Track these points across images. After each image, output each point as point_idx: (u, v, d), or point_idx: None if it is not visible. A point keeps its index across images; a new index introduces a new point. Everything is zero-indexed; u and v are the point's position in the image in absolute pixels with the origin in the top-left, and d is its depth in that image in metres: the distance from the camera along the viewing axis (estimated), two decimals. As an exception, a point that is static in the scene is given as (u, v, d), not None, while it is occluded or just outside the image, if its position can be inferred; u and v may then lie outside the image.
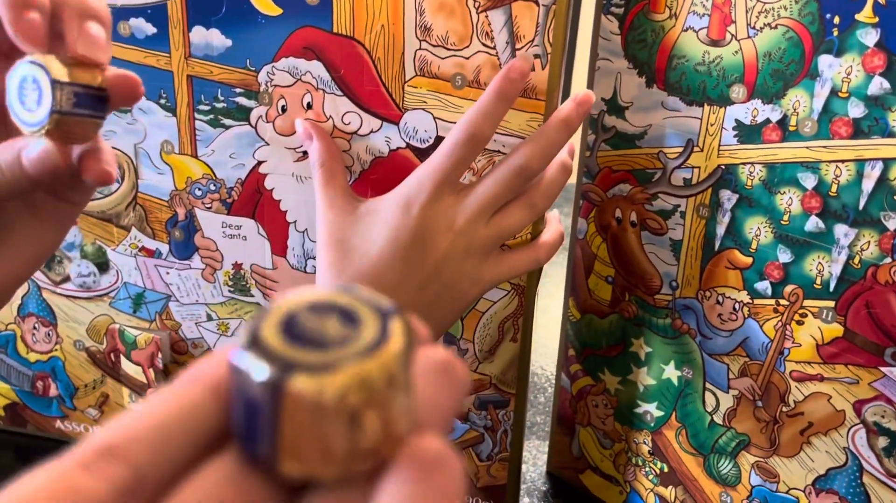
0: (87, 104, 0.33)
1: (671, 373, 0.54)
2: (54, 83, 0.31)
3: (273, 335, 0.15)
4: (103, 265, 0.57)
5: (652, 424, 0.56)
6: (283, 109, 0.50)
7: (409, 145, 0.49)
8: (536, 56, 0.45)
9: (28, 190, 0.34)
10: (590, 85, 0.51)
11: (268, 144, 0.51)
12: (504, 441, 0.56)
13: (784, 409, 0.48)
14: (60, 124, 0.32)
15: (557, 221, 0.51)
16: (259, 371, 0.14)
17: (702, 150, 0.48)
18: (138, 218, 0.55)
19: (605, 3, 0.48)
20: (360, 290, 0.16)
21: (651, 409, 0.55)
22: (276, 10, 0.47)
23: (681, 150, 0.48)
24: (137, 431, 0.15)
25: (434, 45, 0.46)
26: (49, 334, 0.61)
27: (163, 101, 0.52)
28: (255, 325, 0.15)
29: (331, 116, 0.49)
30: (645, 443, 0.57)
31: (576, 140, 0.49)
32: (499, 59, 0.46)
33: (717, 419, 0.52)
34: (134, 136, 0.53)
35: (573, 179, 0.54)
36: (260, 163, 0.51)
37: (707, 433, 0.53)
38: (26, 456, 0.65)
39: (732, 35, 0.44)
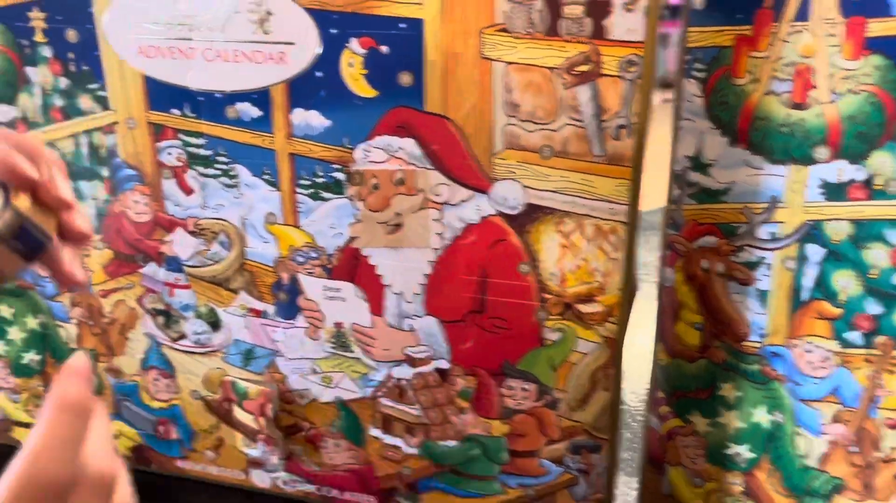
0: (25, 242, 0.30)
1: (761, 416, 0.55)
2: (8, 206, 0.30)
3: None
4: (215, 324, 0.62)
5: (744, 466, 0.57)
6: (376, 187, 0.53)
7: (499, 212, 0.51)
8: (622, 126, 0.47)
9: None
10: (673, 143, 0.52)
11: (360, 221, 0.54)
12: (598, 483, 0.59)
13: (878, 455, 0.49)
14: None
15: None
16: None
17: (786, 206, 0.49)
18: (246, 282, 0.60)
19: (687, 68, 0.50)
20: None
21: (742, 451, 0.57)
22: (371, 92, 0.51)
23: (766, 205, 0.49)
24: None
25: (523, 120, 0.48)
26: (169, 385, 0.66)
27: (266, 177, 0.55)
28: None
29: (422, 189, 0.52)
30: (737, 483, 0.58)
31: (661, 191, 0.51)
32: (586, 130, 0.48)
33: (810, 463, 0.53)
34: (241, 208, 0.57)
35: (655, 225, 0.55)
36: (353, 238, 0.55)
37: (800, 476, 0.54)
38: (151, 492, 0.71)
39: (815, 99, 0.45)
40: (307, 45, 0.50)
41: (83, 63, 0.56)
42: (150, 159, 0.58)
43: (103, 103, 0.57)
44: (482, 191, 0.51)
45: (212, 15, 0.51)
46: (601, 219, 0.50)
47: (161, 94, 0.55)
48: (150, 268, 0.62)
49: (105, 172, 0.59)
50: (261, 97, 0.53)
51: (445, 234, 0.53)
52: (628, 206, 0.49)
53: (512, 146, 0.49)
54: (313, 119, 0.52)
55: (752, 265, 0.51)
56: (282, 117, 0.53)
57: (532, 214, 0.51)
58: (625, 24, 0.45)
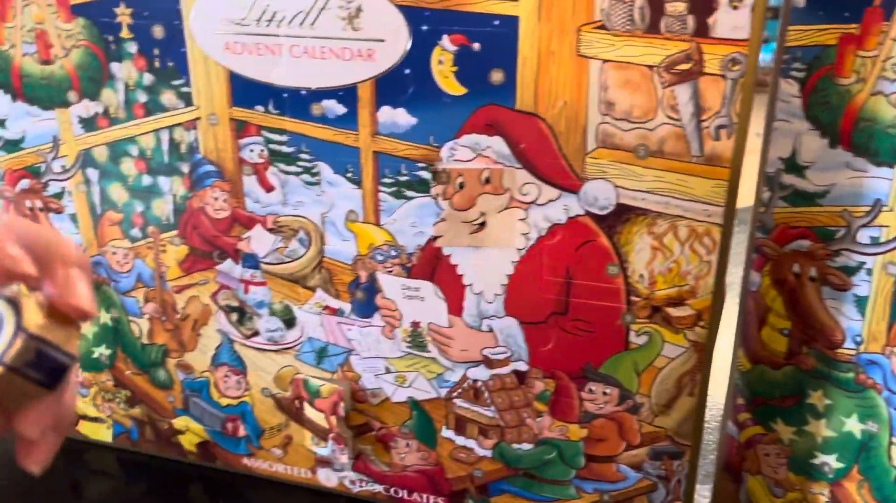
0: (43, 368, 0.25)
1: (853, 426, 0.53)
2: (20, 330, 0.25)
3: None
4: (290, 321, 0.62)
5: (831, 476, 0.56)
6: (462, 186, 0.52)
7: (588, 212, 0.50)
8: (722, 126, 0.46)
9: None
10: (765, 145, 0.51)
11: (444, 220, 0.53)
12: (678, 490, 0.57)
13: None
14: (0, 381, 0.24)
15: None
16: None
17: (891, 210, 0.47)
18: (323, 280, 0.59)
19: (785, 67, 0.48)
20: None
21: (830, 461, 0.55)
22: (460, 90, 0.50)
23: (868, 209, 0.48)
24: None
25: (618, 119, 0.48)
26: (239, 382, 0.66)
27: (349, 175, 0.55)
28: None
29: (508, 188, 0.51)
30: (822, 494, 0.56)
31: (749, 194, 0.50)
32: (684, 129, 0.47)
33: (906, 475, 0.51)
34: (321, 206, 0.57)
35: (744, 235, 0.54)
36: (435, 237, 0.54)
37: (893, 487, 0.52)
38: (214, 488, 0.71)
39: (929, 99, 0.43)
40: (397, 42, 0.50)
41: (168, 59, 0.56)
42: (232, 156, 0.58)
43: (186, 99, 0.57)
44: (571, 190, 0.50)
45: (300, 11, 0.51)
46: (696, 220, 0.49)
47: (245, 91, 0.55)
48: (226, 265, 0.62)
49: (185, 168, 0.59)
50: (347, 94, 0.53)
51: (530, 234, 0.52)
52: (725, 207, 0.48)
53: (605, 145, 0.49)
54: (400, 117, 0.52)
55: (850, 270, 0.50)
56: (367, 115, 0.53)
57: (623, 215, 0.50)
58: (730, 21, 0.44)
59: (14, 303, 0.25)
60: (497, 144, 0.51)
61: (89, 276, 0.28)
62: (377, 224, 0.56)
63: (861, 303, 0.50)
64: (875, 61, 0.45)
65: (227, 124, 0.57)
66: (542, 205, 0.51)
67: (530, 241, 0.52)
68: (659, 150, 0.48)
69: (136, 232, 0.63)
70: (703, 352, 0.53)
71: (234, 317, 0.63)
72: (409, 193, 0.54)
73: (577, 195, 0.50)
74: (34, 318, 0.25)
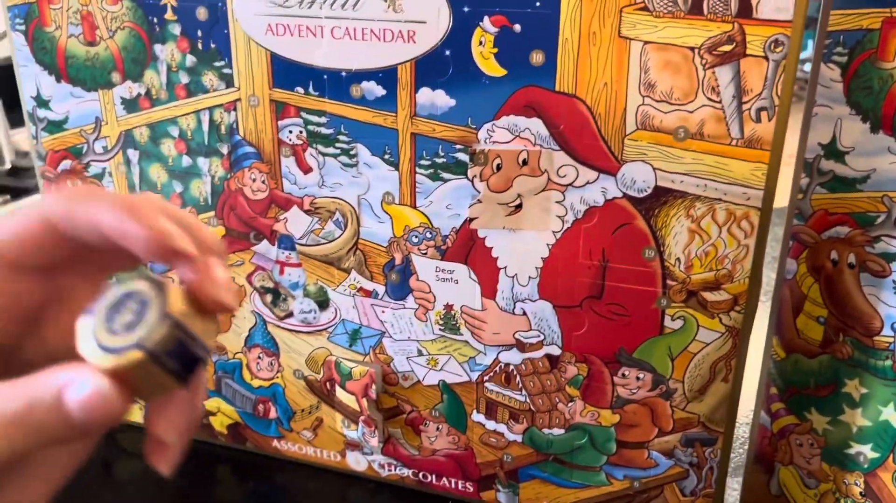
0: (181, 359, 0.24)
1: (890, 414, 0.53)
2: (165, 316, 0.23)
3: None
4: (324, 303, 0.63)
5: (865, 466, 0.55)
6: (499, 167, 0.52)
7: (626, 195, 0.51)
8: (763, 108, 0.46)
9: (68, 439, 0.23)
10: (804, 130, 0.51)
11: (480, 202, 0.54)
12: (710, 478, 0.57)
13: None
14: (137, 367, 0.23)
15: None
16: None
17: (933, 195, 0.47)
18: (358, 262, 0.60)
19: (827, 52, 0.48)
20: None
21: (865, 451, 0.55)
22: (500, 71, 0.50)
23: (911, 195, 0.48)
24: None
25: (657, 101, 0.48)
26: (272, 363, 0.67)
27: (387, 157, 0.56)
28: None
29: (545, 170, 0.52)
30: (856, 484, 0.56)
31: (786, 185, 0.50)
32: (724, 111, 0.47)
33: (944, 465, 0.50)
34: (358, 187, 0.58)
35: (781, 221, 0.54)
36: (471, 219, 0.55)
37: (930, 478, 0.52)
38: (243, 470, 0.71)
39: (975, 82, 0.43)
40: (438, 24, 0.51)
41: (211, 41, 0.57)
42: (271, 137, 0.59)
43: (228, 81, 0.58)
44: (609, 173, 0.50)
45: (343, -7, 0.52)
46: (734, 203, 0.49)
47: (286, 73, 0.56)
48: (263, 246, 0.63)
49: (224, 149, 0.60)
50: (386, 76, 0.53)
51: (567, 217, 0.53)
52: (764, 191, 0.48)
53: (645, 127, 0.49)
54: (439, 98, 0.53)
55: (890, 256, 0.50)
56: (407, 96, 0.53)
57: (661, 198, 0.50)
58: (773, 2, 0.44)
59: (160, 286, 0.24)
60: (536, 126, 0.51)
61: (227, 267, 0.26)
62: (413, 206, 0.56)
63: (901, 290, 0.50)
64: (920, 44, 0.45)
65: (266, 106, 0.58)
66: (579, 187, 0.51)
67: (567, 223, 0.53)
68: (699, 132, 0.48)
69: (174, 212, 0.64)
70: (739, 337, 0.53)
71: (269, 298, 0.64)
72: (446, 175, 0.54)
73: (615, 177, 0.50)
74: (178, 304, 0.24)
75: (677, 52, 0.46)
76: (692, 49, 0.46)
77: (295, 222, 0.61)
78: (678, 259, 0.51)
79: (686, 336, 0.53)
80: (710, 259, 0.51)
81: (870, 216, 0.50)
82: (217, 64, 0.58)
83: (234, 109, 0.59)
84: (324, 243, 0.60)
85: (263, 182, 0.60)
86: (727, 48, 0.45)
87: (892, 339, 0.51)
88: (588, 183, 0.51)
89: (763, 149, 0.47)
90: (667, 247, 0.51)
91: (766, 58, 0.45)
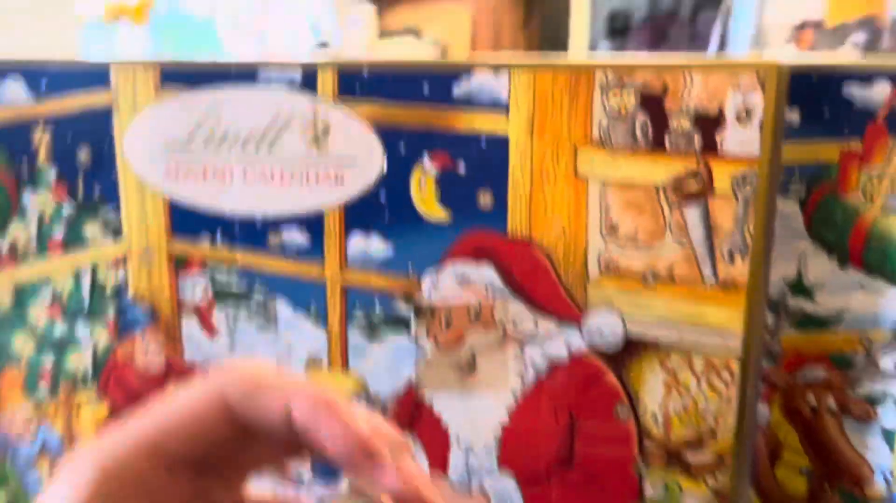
0: None
1: (893, 576, 0.48)
2: None
3: None
4: (234, 492, 0.51)
5: None
6: (448, 323, 0.46)
7: (592, 348, 0.45)
8: (735, 249, 0.42)
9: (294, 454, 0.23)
10: (766, 267, 0.48)
11: (427, 363, 0.46)
12: None
13: None
14: None
15: None
16: None
17: (913, 333, 0.44)
18: (277, 438, 0.50)
19: (782, 185, 0.46)
20: None
21: None
22: (443, 215, 0.45)
23: (892, 333, 0.45)
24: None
25: (622, 244, 0.43)
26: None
27: (312, 313, 0.48)
28: None
29: (501, 322, 0.45)
30: None
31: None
32: (694, 253, 0.43)
33: None
34: (277, 351, 0.49)
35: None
36: (419, 380, 0.47)
37: None
38: None
39: (945, 215, 0.42)
40: (371, 164, 0.45)
41: (94, 186, 0.49)
42: (169, 296, 0.49)
43: (115, 232, 0.49)
44: (572, 323, 0.45)
45: (256, 131, 0.45)
46: (712, 352, 0.44)
47: (188, 221, 0.48)
48: (156, 426, 0.51)
49: (110, 313, 0.50)
50: (311, 221, 0.46)
51: (527, 376, 0.46)
52: (744, 336, 0.43)
53: (609, 272, 0.44)
54: (373, 245, 0.46)
55: (874, 400, 0.46)
56: (335, 244, 0.46)
57: (632, 349, 0.45)
58: (737, 136, 0.41)
59: None
60: (487, 274, 0.45)
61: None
62: (345, 369, 0.48)
63: (889, 436, 0.46)
64: (883, 177, 0.43)
65: (164, 260, 0.49)
66: (539, 340, 0.45)
67: (528, 382, 0.46)
68: (669, 275, 0.43)
69: (43, 390, 0.52)
70: (728, 502, 0.46)
71: (164, 490, 0.52)
72: (385, 332, 0.47)
73: (579, 328, 0.45)
74: None
75: (640, 191, 0.43)
76: (656, 188, 0.42)
77: (198, 396, 0.50)
78: (655, 416, 0.45)
79: (669, 505, 0.46)
80: (691, 414, 0.45)
81: (847, 357, 0.46)
82: (101, 213, 0.49)
83: (123, 266, 0.49)
84: (234, 419, 0.50)
85: (158, 350, 0.50)
86: (694, 186, 0.42)
87: (886, 491, 0.47)
88: (549, 335, 0.45)
89: (738, 292, 0.43)
90: (641, 403, 0.45)
91: (736, 196, 0.42)
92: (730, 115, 0.41)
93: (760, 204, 0.42)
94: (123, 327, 0.50)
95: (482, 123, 0.43)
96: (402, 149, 0.44)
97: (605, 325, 0.44)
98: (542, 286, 0.44)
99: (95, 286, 0.50)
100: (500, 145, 0.43)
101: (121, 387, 0.51)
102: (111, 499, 0.20)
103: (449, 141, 0.44)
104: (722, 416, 0.45)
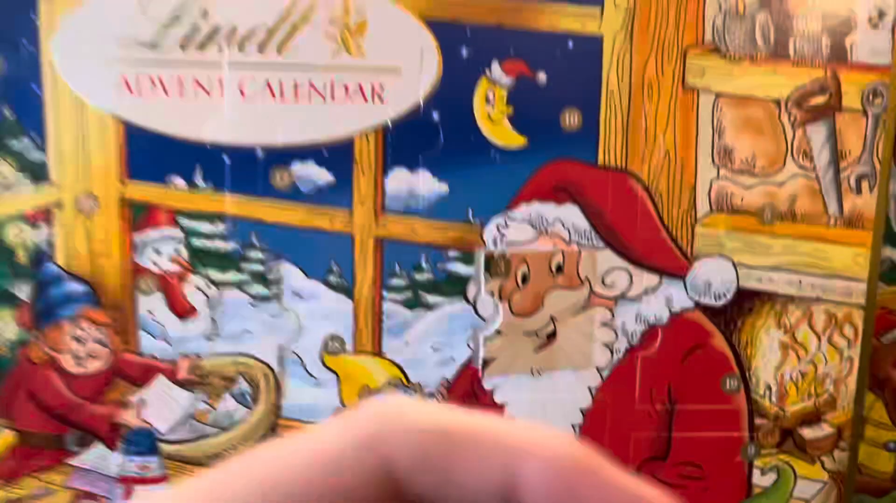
0: None
1: None
2: None
3: None
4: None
5: None
6: (524, 279, 0.35)
7: (698, 304, 0.36)
8: (863, 176, 0.36)
9: None
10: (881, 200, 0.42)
11: (499, 333, 0.36)
12: None
13: None
14: None
15: None
16: None
17: None
18: (277, 457, 0.37)
19: None
20: None
21: None
22: (517, 140, 0.35)
23: None
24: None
25: (736, 172, 0.35)
26: None
27: (333, 279, 0.35)
28: None
29: (587, 279, 0.36)
30: None
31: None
32: (819, 182, 0.36)
33: None
34: (279, 333, 0.36)
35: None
36: (486, 362, 0.36)
37: None
38: None
39: None
40: (421, 72, 0.34)
41: (5, 106, 0.33)
42: (119, 263, 0.35)
43: (35, 175, 0.34)
44: (676, 275, 0.36)
45: (260, 25, 0.33)
46: (835, 302, 0.37)
47: (152, 156, 0.34)
48: (92, 457, 0.36)
49: (22, 291, 0.35)
50: (335, 154, 0.34)
51: (617, 345, 0.36)
52: (867, 282, 0.37)
53: (721, 208, 0.36)
54: (422, 183, 0.35)
55: (978, 354, 0.41)
56: (369, 183, 0.35)
57: (744, 304, 0.37)
58: (869, 43, 0.35)
59: None
60: (571, 216, 0.35)
61: None
62: (377, 353, 0.36)
63: None
64: None
65: (113, 211, 0.34)
66: (633, 299, 0.36)
67: (617, 354, 0.36)
68: (789, 211, 0.36)
69: None
70: (846, 485, 0.39)
71: (102, 547, 0.37)
72: (432, 299, 0.36)
73: (683, 281, 0.36)
74: None
75: (759, 107, 0.35)
76: (777, 102, 0.35)
77: (159, 405, 0.36)
78: (768, 388, 0.37)
79: (781, 494, 0.38)
80: (809, 381, 0.38)
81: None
82: (14, 145, 0.34)
83: (47, 221, 0.34)
84: (215, 435, 0.36)
85: (99, 341, 0.35)
86: (820, 100, 0.35)
87: None
88: (646, 292, 0.36)
89: (865, 228, 0.36)
90: (754, 372, 0.37)
91: (865, 112, 0.35)
92: (861, 17, 0.35)
93: (891, 121, 0.36)
94: (45, 310, 0.35)
95: (569, 22, 0.34)
96: (463, 53, 0.34)
97: (714, 276, 0.36)
98: (640, 229, 0.36)
99: (1, 250, 0.34)
100: (591, 50, 0.34)
101: (33, 402, 0.35)
102: None
103: (526, 43, 0.34)
104: (842, 381, 0.38)
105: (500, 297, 0.35)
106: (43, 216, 0.35)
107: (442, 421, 0.12)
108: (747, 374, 0.37)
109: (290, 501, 0.12)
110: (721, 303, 0.36)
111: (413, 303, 0.36)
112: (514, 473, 0.12)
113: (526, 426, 0.12)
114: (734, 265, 0.36)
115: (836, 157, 0.36)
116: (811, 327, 0.37)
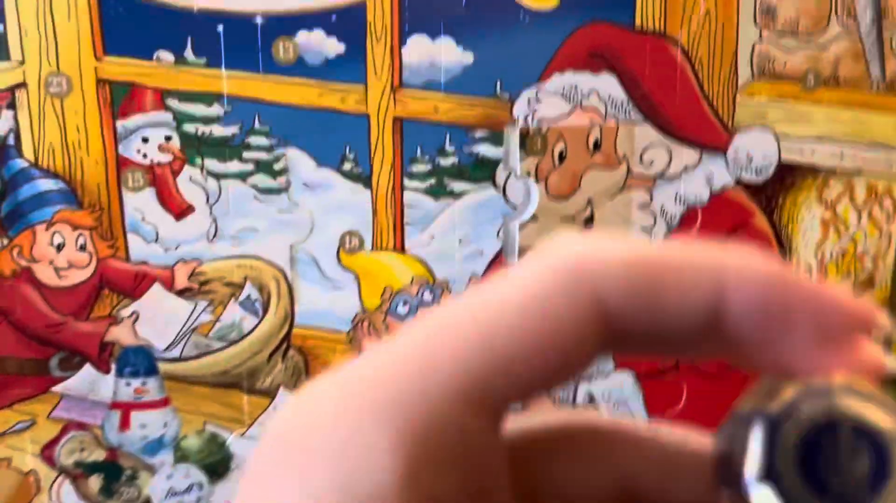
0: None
1: None
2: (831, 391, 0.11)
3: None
4: (220, 468, 0.33)
5: None
6: (562, 157, 0.32)
7: (739, 181, 0.34)
8: (906, 37, 0.34)
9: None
10: None
11: (535, 219, 0.33)
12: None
13: None
14: None
15: None
16: None
17: None
18: (292, 373, 0.33)
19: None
20: None
21: None
22: (549, 2, 0.31)
23: None
24: None
25: (779, 34, 0.33)
26: None
27: (348, 166, 0.32)
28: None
29: (625, 156, 0.33)
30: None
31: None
32: (862, 44, 0.34)
33: None
34: (290, 230, 0.32)
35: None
36: (521, 251, 0.33)
37: None
38: None
39: None
40: (441, -76, 0.30)
41: (-52, -32, 0.28)
42: (99, 155, 0.30)
43: (-8, 49, 0.29)
44: (717, 149, 0.34)
45: None
46: (876, 173, 0.35)
47: (135, 28, 0.29)
48: (78, 380, 0.32)
49: (-16, 192, 0.30)
50: (345, 20, 0.30)
51: (655, 228, 0.34)
52: (908, 152, 0.35)
53: (764, 75, 0.33)
54: (444, 54, 0.31)
55: None
56: (385, 54, 0.31)
57: (785, 179, 0.35)
58: None
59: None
60: (607, 86, 0.32)
61: None
62: (400, 249, 0.33)
63: None
64: None
65: (90, 92, 0.30)
66: (673, 178, 0.34)
67: (655, 236, 0.34)
68: (832, 76, 0.34)
69: None
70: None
71: (97, 482, 0.32)
72: (458, 186, 0.32)
73: (724, 156, 0.34)
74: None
75: (802, -40, 0.33)
76: (820, -45, 0.33)
77: (154, 317, 0.32)
78: (809, 267, 0.36)
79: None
80: (849, 259, 0.36)
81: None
82: (-37, 16, 0.29)
83: (12, 107, 0.29)
84: (219, 349, 0.32)
85: (83, 248, 0.31)
86: (864, -48, 0.33)
87: None
88: (686, 169, 0.34)
89: (906, 94, 0.35)
90: (795, 251, 0.35)
91: (908, -35, 0.33)
92: None
93: (934, -23, 0.34)
94: (13, 214, 0.30)
95: None
96: None
97: (756, 147, 0.34)
98: (680, 99, 0.33)
99: (-42, 144, 0.29)
100: None
101: (11, 323, 0.31)
102: (426, 472, 0.10)
103: None
104: (881, 257, 0.37)
105: (537, 178, 0.32)
106: (4, 100, 0.30)
107: (643, 249, 0.11)
108: (788, 254, 0.36)
109: (499, 403, 0.11)
110: (762, 178, 0.34)
111: (437, 192, 0.32)
112: (722, 292, 0.11)
113: (724, 247, 0.11)
114: (776, 136, 0.34)
115: (880, 15, 0.34)
116: (852, 201, 0.36)
